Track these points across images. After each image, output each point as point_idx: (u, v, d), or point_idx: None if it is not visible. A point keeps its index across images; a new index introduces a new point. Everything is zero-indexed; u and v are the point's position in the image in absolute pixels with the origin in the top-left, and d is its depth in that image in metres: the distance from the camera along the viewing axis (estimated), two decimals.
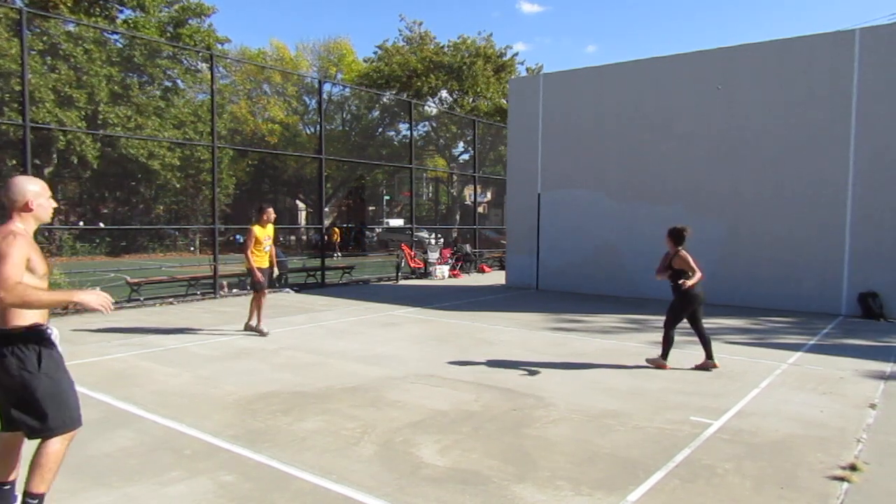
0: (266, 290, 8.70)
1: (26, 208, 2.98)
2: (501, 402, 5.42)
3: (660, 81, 12.56)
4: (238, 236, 32.73)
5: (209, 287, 12.73)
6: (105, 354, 7.19)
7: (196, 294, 12.50)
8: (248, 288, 10.47)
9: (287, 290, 13.81)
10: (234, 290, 13.35)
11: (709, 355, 6.78)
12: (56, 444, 2.99)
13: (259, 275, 8.53)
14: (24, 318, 2.90)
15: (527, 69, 35.39)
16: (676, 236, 6.98)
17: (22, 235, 2.86)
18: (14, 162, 24.01)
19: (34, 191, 3.00)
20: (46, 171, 24.87)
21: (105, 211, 30.67)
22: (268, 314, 10.39)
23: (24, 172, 9.97)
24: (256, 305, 8.61)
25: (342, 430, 4.67)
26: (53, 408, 2.95)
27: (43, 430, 2.94)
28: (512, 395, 5.64)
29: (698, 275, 6.78)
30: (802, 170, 11.04)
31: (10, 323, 2.90)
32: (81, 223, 28.35)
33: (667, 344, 6.81)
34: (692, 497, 3.59)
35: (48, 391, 2.96)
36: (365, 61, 37.38)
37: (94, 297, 2.92)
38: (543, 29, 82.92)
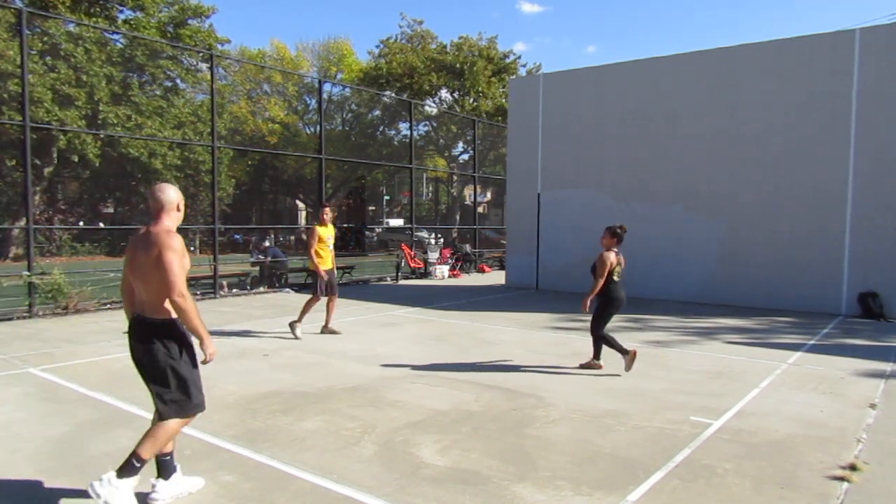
0: (324, 294, 8.54)
1: (177, 209, 3.43)
2: (501, 402, 5.42)
3: (660, 81, 12.56)
4: (237, 236, 32.74)
5: (209, 287, 12.73)
6: (105, 354, 7.19)
7: (196, 294, 12.50)
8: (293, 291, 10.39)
9: (287, 290, 13.81)
10: (234, 290, 13.36)
11: (596, 355, 6.58)
12: (174, 424, 3.36)
13: (324, 275, 8.45)
14: (170, 311, 3.34)
15: (527, 70, 35.42)
16: (610, 235, 6.43)
17: (178, 235, 3.33)
18: (14, 162, 24.01)
19: (179, 195, 3.48)
20: (46, 170, 24.88)
21: (106, 211, 30.68)
22: (268, 313, 10.38)
23: (25, 172, 9.97)
24: (308, 307, 8.51)
25: (342, 430, 4.67)
26: (185, 393, 3.36)
27: (171, 412, 3.33)
28: (512, 395, 5.64)
29: (597, 285, 6.29)
30: (802, 169, 11.04)
31: (159, 314, 3.33)
32: (81, 223, 28.35)
33: (597, 345, 6.55)
34: (692, 497, 3.59)
35: (184, 378, 3.35)
36: (368, 54, 37.44)
37: (213, 348, 3.44)
38: (543, 29, 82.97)
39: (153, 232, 3.29)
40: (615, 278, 6.35)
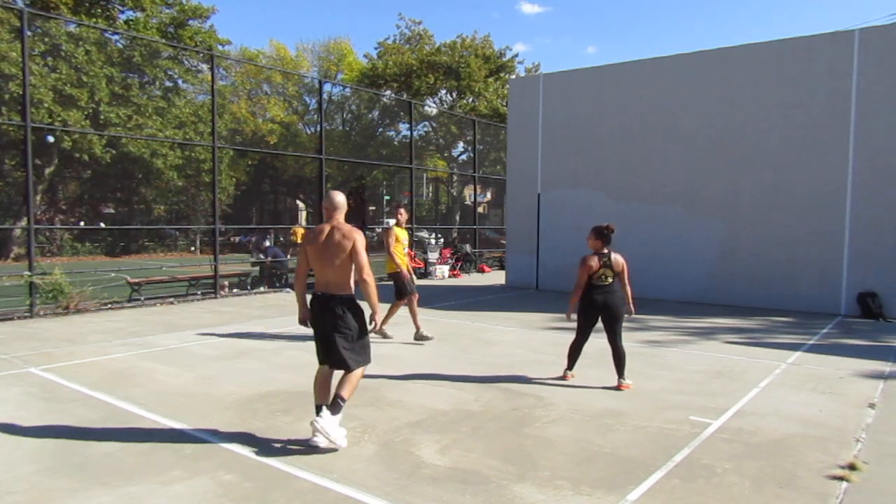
0: (416, 295, 8.32)
1: (344, 211, 4.40)
2: (501, 401, 5.43)
3: (660, 82, 12.56)
4: (244, 236, 32.73)
5: (210, 287, 12.74)
6: (105, 354, 7.21)
7: (196, 294, 12.51)
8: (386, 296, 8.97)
9: (287, 289, 13.82)
10: (235, 290, 13.37)
11: (570, 365, 6.19)
12: (359, 372, 4.34)
13: (408, 276, 8.26)
14: (352, 288, 4.29)
15: (526, 69, 35.41)
16: (595, 235, 5.96)
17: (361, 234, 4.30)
18: (14, 162, 24.04)
19: (344, 199, 4.47)
20: (47, 171, 24.90)
21: (106, 211, 30.70)
22: (268, 313, 10.40)
23: (26, 173, 9.99)
24: (394, 311, 8.37)
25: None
26: (365, 350, 4.35)
27: (357, 364, 4.28)
28: (512, 394, 5.65)
29: (574, 292, 5.97)
30: (802, 170, 11.05)
31: (348, 290, 4.28)
32: (82, 223, 28.37)
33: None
34: (692, 496, 3.60)
35: (365, 338, 4.34)
36: (365, 56, 37.44)
37: (380, 327, 4.43)
38: (543, 29, 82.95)
39: (341, 228, 4.27)
40: (596, 282, 5.85)
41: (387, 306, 8.14)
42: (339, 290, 4.26)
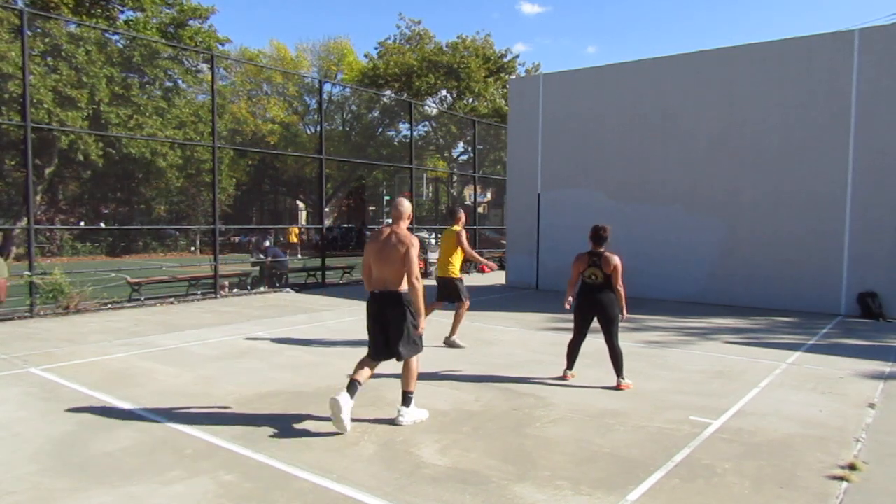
0: (467, 302, 7.96)
1: (410, 218, 4.93)
2: (501, 401, 5.43)
3: (660, 82, 12.57)
4: (244, 236, 32.74)
5: (210, 287, 12.74)
6: (105, 354, 7.21)
7: (197, 294, 12.51)
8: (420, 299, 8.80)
9: (287, 290, 13.82)
10: (235, 290, 13.37)
11: (569, 365, 6.26)
12: (415, 361, 4.85)
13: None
14: (405, 287, 4.75)
15: (526, 70, 35.42)
16: (589, 235, 6.05)
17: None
18: (13, 163, 24.03)
19: (411, 207, 5.07)
20: (47, 171, 24.89)
21: (106, 211, 30.71)
22: (268, 313, 10.40)
23: (26, 173, 9.99)
24: (461, 318, 7.95)
25: None
26: (417, 341, 4.82)
27: (408, 353, 4.76)
28: (512, 394, 5.65)
29: (567, 287, 6.12)
30: (802, 170, 11.05)
31: (399, 288, 4.73)
32: (82, 223, 28.38)
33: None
34: (692, 496, 3.60)
35: (417, 330, 4.80)
36: (365, 56, 37.44)
37: (423, 325, 4.87)
38: (543, 29, 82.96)
39: (399, 233, 4.74)
40: (587, 281, 5.93)
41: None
42: (392, 287, 4.74)
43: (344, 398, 4.54)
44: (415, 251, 4.66)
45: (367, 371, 4.80)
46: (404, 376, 4.83)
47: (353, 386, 4.66)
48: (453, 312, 8.02)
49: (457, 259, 7.87)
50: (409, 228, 4.90)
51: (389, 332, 4.71)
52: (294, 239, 28.75)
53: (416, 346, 4.79)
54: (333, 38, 42.26)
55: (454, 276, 7.86)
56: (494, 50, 34.74)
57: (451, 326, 7.92)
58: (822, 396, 5.67)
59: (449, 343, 7.82)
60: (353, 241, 32.38)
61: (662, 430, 4.70)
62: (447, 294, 7.93)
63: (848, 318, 10.33)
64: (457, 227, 7.85)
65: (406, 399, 4.83)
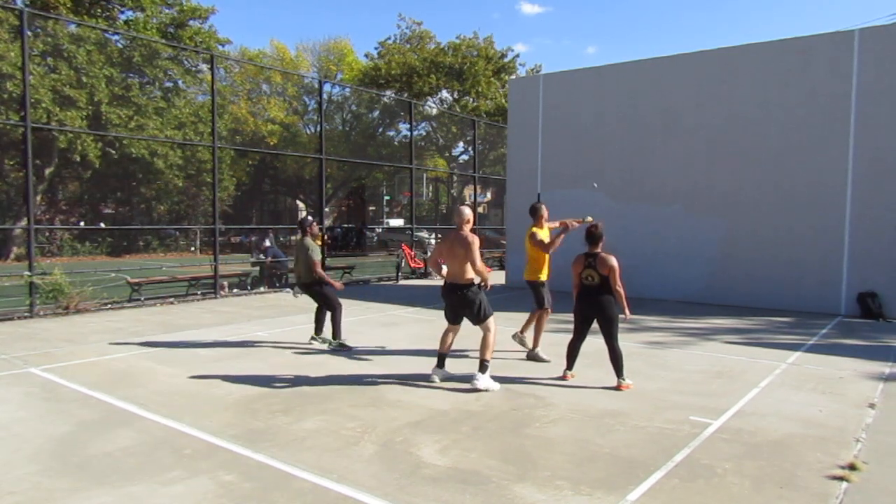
0: (550, 310, 7.25)
1: (469, 223, 5.99)
2: (501, 401, 5.43)
3: (660, 82, 12.56)
4: (244, 236, 32.75)
5: (210, 287, 12.75)
6: (105, 354, 7.21)
7: (197, 294, 12.51)
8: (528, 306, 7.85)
9: (287, 290, 13.82)
10: (235, 290, 13.37)
11: (569, 365, 6.22)
12: (491, 333, 5.89)
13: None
14: (473, 277, 5.86)
15: (527, 70, 35.42)
16: (584, 235, 6.06)
17: (474, 236, 5.84)
18: (13, 163, 24.04)
19: (471, 212, 6.07)
20: (47, 171, 24.90)
21: (106, 211, 30.70)
22: (268, 313, 10.39)
23: (26, 173, 9.99)
24: (540, 325, 7.21)
25: (342, 429, 4.68)
26: (487, 309, 5.90)
27: (482, 319, 5.88)
28: (512, 394, 5.65)
29: (573, 292, 6.13)
30: (802, 170, 11.04)
31: (466, 280, 5.85)
32: (82, 223, 28.37)
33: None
34: (692, 496, 3.60)
35: (485, 304, 5.89)
36: (365, 56, 37.43)
37: (490, 280, 6.15)
38: (544, 30, 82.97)
39: (461, 235, 5.85)
40: (584, 282, 5.93)
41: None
42: (459, 279, 5.86)
43: (438, 372, 6.06)
44: (475, 248, 5.75)
45: (448, 338, 6.18)
46: (482, 346, 5.86)
47: (442, 358, 6.11)
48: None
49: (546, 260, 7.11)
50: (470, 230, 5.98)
51: (459, 312, 5.99)
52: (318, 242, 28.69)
53: (486, 312, 5.88)
54: (333, 38, 42.32)
55: (540, 280, 7.21)
56: (496, 50, 34.75)
57: (532, 339, 7.18)
58: (822, 396, 5.67)
59: (534, 357, 7.09)
60: (353, 241, 32.37)
61: (662, 431, 4.70)
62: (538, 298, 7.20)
63: (848, 318, 10.33)
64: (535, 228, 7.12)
65: (483, 366, 5.78)
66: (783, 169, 11.21)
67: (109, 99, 24.27)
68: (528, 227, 7.31)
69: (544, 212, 7.33)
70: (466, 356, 7.17)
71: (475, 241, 5.78)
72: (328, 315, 7.72)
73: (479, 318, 5.87)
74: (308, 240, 7.68)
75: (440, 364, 6.10)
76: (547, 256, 7.22)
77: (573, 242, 7.62)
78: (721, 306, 11.50)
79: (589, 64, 18.82)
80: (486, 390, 5.67)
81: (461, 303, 5.87)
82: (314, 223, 7.99)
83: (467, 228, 5.93)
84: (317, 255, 7.63)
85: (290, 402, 5.37)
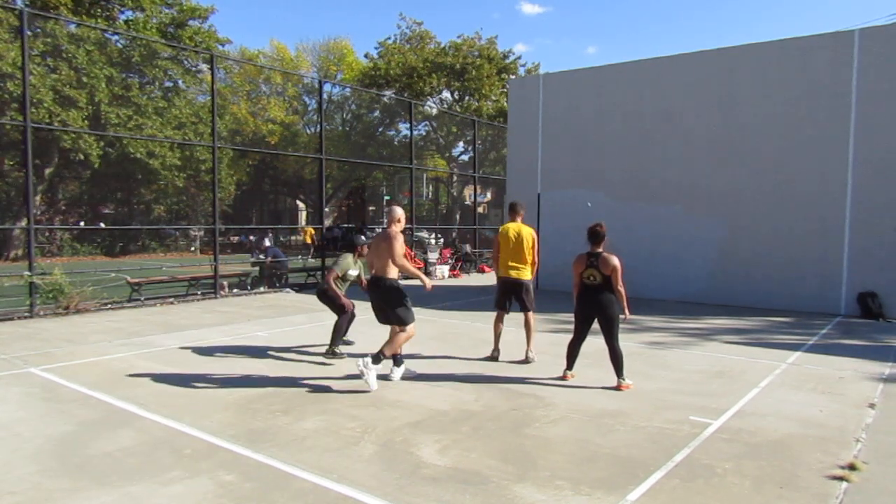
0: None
1: (399, 222, 5.97)
2: (501, 401, 5.43)
3: (660, 82, 12.56)
4: (244, 236, 32.71)
5: (210, 287, 12.74)
6: (105, 354, 7.20)
7: (196, 294, 12.51)
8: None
9: (287, 290, 13.82)
10: (235, 290, 13.36)
11: (569, 365, 6.23)
12: (406, 332, 5.86)
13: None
14: (392, 273, 5.85)
15: (527, 71, 35.42)
16: (587, 235, 6.03)
17: (399, 234, 5.85)
18: (13, 163, 24.03)
19: (402, 212, 6.05)
20: (47, 171, 24.90)
21: (106, 211, 30.70)
22: (268, 313, 10.39)
23: (26, 173, 9.99)
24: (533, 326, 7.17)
25: (342, 429, 4.68)
26: (404, 313, 5.82)
27: (401, 322, 5.83)
28: (512, 394, 5.65)
29: (573, 292, 6.08)
30: (802, 170, 11.05)
31: (387, 274, 5.85)
32: (82, 223, 28.36)
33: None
34: (692, 496, 3.60)
35: (405, 306, 5.83)
36: (365, 56, 37.42)
37: (429, 283, 6.04)
38: (544, 30, 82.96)
39: (388, 232, 5.86)
40: (586, 282, 5.91)
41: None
42: (383, 274, 5.92)
43: (396, 371, 6.20)
44: (397, 242, 5.76)
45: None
46: (390, 341, 5.90)
47: (386, 359, 6.08)
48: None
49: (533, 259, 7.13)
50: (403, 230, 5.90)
51: (384, 310, 6.04)
52: (309, 240, 28.80)
53: (407, 315, 5.88)
54: (333, 38, 42.28)
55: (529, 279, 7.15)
56: (498, 51, 34.76)
57: (530, 340, 7.16)
58: (822, 396, 5.67)
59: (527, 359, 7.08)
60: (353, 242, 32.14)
61: (662, 430, 4.70)
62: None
63: (848, 318, 10.33)
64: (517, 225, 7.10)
65: (377, 358, 5.75)
66: (783, 169, 11.21)
67: (109, 99, 24.26)
68: (514, 224, 7.12)
69: (521, 212, 7.32)
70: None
71: (398, 238, 5.76)
72: (346, 322, 7.42)
73: (396, 317, 5.80)
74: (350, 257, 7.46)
75: (396, 362, 6.16)
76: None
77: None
78: (721, 306, 11.50)
79: (589, 64, 18.85)
80: (368, 386, 5.63)
81: (383, 298, 5.83)
82: (366, 245, 7.13)
83: (395, 228, 5.91)
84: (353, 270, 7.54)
85: (290, 402, 5.37)
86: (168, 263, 21.26)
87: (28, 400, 5.39)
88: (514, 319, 10.07)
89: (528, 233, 7.07)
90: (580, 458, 4.17)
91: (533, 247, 7.05)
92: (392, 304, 5.81)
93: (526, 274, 7.05)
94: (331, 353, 7.12)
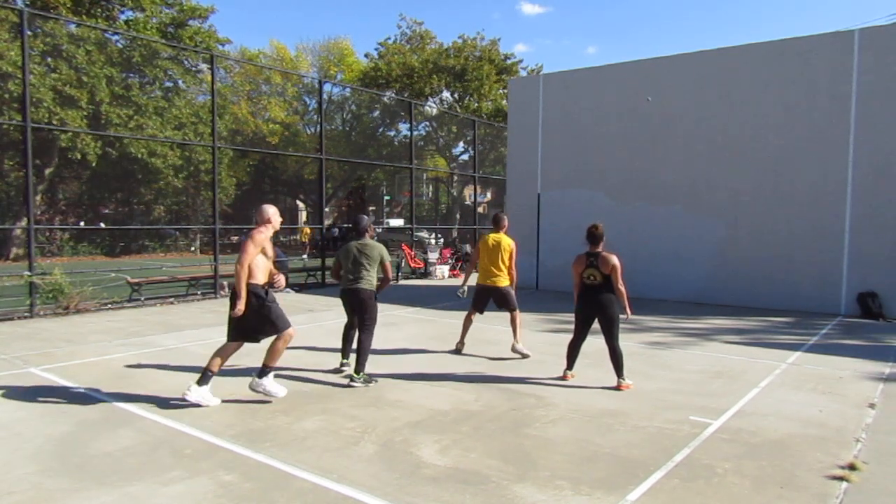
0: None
1: (268, 222, 5.37)
2: (501, 401, 5.43)
3: (660, 82, 12.56)
4: (244, 236, 32.70)
5: (210, 287, 12.74)
6: (105, 354, 7.20)
7: (196, 294, 12.51)
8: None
9: (287, 290, 13.82)
10: None
11: (569, 365, 6.24)
12: (279, 341, 5.33)
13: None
14: (256, 279, 5.23)
15: (528, 71, 35.43)
16: (585, 235, 6.04)
17: (256, 236, 5.20)
18: (12, 163, 24.03)
19: (274, 212, 5.44)
20: (47, 171, 24.89)
21: (106, 211, 30.68)
22: None
23: (26, 173, 9.98)
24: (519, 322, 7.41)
25: (342, 429, 4.68)
26: (276, 321, 5.30)
27: (271, 333, 5.33)
28: (512, 394, 5.65)
29: (574, 292, 6.13)
30: (802, 170, 11.05)
31: (252, 280, 5.19)
32: (82, 223, 28.35)
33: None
34: (692, 496, 3.60)
35: (272, 314, 5.29)
36: (366, 56, 37.41)
37: (241, 307, 5.14)
38: (544, 30, 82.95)
39: (249, 232, 5.34)
40: (586, 282, 5.92)
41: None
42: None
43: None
44: (248, 243, 5.24)
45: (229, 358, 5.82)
46: (271, 350, 5.44)
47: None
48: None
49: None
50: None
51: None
52: (306, 240, 28.85)
53: (279, 325, 5.40)
54: (333, 38, 42.26)
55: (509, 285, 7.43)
56: (500, 53, 34.77)
57: (517, 332, 7.38)
58: (822, 396, 5.67)
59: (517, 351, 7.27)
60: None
61: (662, 430, 4.70)
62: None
63: (848, 318, 10.33)
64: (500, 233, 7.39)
65: (263, 372, 5.42)
66: (783, 169, 11.22)
67: (110, 99, 24.26)
68: (495, 235, 7.42)
69: (505, 222, 7.63)
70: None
71: (251, 240, 5.18)
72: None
73: (270, 331, 5.29)
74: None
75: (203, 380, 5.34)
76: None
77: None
78: (721, 306, 11.50)
79: (589, 64, 18.85)
80: (274, 396, 5.30)
81: (250, 310, 5.18)
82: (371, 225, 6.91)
83: (258, 229, 5.31)
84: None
85: (290, 401, 5.37)
86: (168, 263, 21.27)
87: (28, 400, 5.39)
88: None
89: (508, 243, 7.38)
90: (580, 458, 4.17)
91: (511, 257, 7.35)
92: (263, 313, 5.26)
93: (502, 281, 7.35)
94: (365, 378, 6.06)
